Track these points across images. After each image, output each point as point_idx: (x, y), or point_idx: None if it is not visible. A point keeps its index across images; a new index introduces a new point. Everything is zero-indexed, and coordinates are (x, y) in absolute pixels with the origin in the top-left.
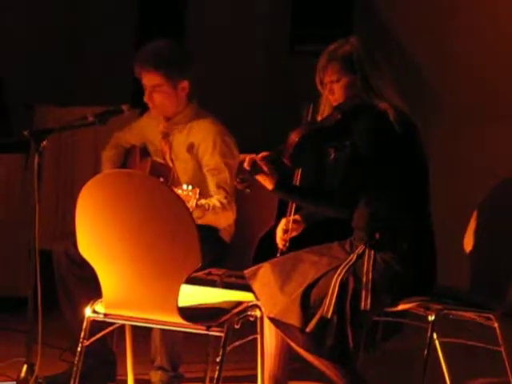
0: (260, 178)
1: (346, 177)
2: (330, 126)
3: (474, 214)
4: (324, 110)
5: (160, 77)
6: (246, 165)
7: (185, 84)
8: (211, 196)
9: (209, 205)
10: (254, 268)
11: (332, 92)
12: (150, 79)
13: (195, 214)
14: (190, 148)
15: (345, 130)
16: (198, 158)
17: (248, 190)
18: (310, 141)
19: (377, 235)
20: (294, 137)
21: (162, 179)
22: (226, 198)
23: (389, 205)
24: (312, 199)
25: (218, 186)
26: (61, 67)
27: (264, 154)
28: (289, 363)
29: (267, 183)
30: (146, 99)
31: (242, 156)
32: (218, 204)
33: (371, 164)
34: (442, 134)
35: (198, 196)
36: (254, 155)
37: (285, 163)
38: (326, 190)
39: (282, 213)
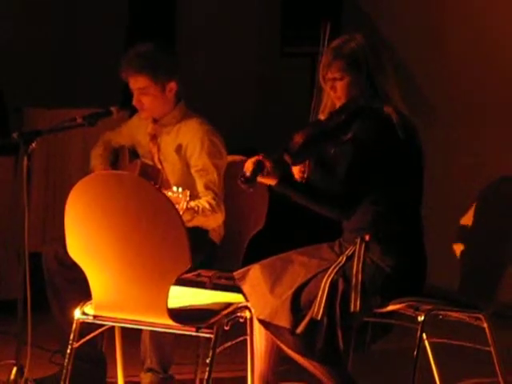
0: (263, 178)
1: (348, 181)
2: (334, 128)
3: (464, 215)
4: (326, 106)
5: (146, 79)
6: (248, 165)
7: (172, 85)
8: (199, 197)
9: (198, 207)
10: (243, 269)
11: (334, 89)
12: (136, 82)
13: (185, 217)
14: (179, 149)
15: (348, 132)
16: (186, 158)
17: (251, 190)
18: (313, 143)
19: (367, 237)
20: (298, 138)
21: (151, 181)
22: (214, 199)
23: (380, 207)
24: (314, 196)
25: (207, 187)
26: (50, 69)
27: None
28: (279, 364)
29: (270, 180)
30: (134, 103)
31: (230, 157)
32: (207, 206)
33: (372, 169)
34: (433, 134)
35: (188, 198)
36: (257, 157)
37: (287, 164)
38: (330, 190)
39: (271, 215)
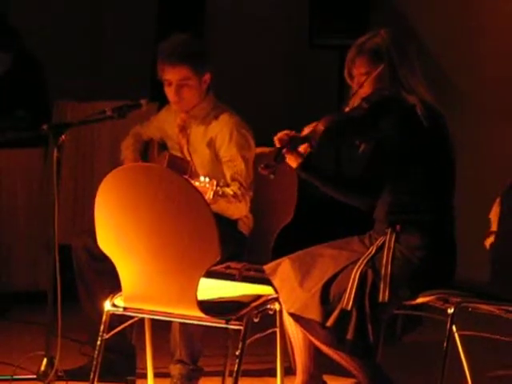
0: (286, 159)
1: (369, 167)
2: (357, 117)
3: (494, 206)
4: (354, 103)
5: (187, 70)
6: (276, 142)
7: (207, 77)
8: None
9: (222, 192)
10: (273, 263)
11: (361, 85)
12: (176, 73)
13: (208, 201)
14: (209, 142)
15: (371, 122)
16: (216, 150)
17: (272, 176)
18: (335, 131)
19: (398, 227)
20: (320, 126)
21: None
22: (239, 189)
23: (411, 198)
24: (334, 183)
25: (233, 178)
26: (79, 61)
27: (289, 132)
28: (320, 356)
29: (291, 162)
30: (172, 96)
31: (258, 149)
32: (230, 192)
33: (396, 158)
34: (463, 124)
35: (215, 188)
36: (282, 134)
37: (310, 146)
38: (349, 176)
39: (300, 207)
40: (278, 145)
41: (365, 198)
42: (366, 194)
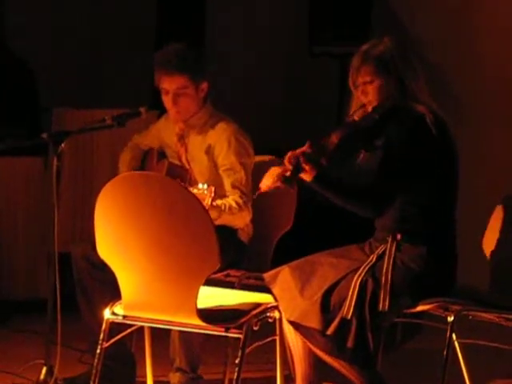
0: (301, 175)
1: (381, 178)
2: (368, 127)
3: (494, 214)
4: (355, 111)
5: (185, 79)
6: (287, 161)
7: (204, 86)
8: (227, 197)
9: (225, 205)
10: (273, 272)
11: (365, 94)
12: (173, 82)
13: (211, 215)
14: (207, 150)
15: (381, 132)
16: (214, 158)
17: (292, 189)
18: (349, 143)
19: (398, 236)
20: (334, 138)
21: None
22: (241, 197)
23: (413, 207)
24: (346, 193)
25: (234, 186)
26: (78, 69)
27: (303, 149)
28: (320, 364)
29: (306, 177)
30: (169, 105)
31: (258, 157)
32: (234, 204)
33: (404, 167)
34: (463, 133)
35: (213, 194)
36: (293, 152)
37: (322, 162)
38: (361, 186)
39: (299, 215)
40: (288, 164)
41: (377, 207)
42: (379, 203)
